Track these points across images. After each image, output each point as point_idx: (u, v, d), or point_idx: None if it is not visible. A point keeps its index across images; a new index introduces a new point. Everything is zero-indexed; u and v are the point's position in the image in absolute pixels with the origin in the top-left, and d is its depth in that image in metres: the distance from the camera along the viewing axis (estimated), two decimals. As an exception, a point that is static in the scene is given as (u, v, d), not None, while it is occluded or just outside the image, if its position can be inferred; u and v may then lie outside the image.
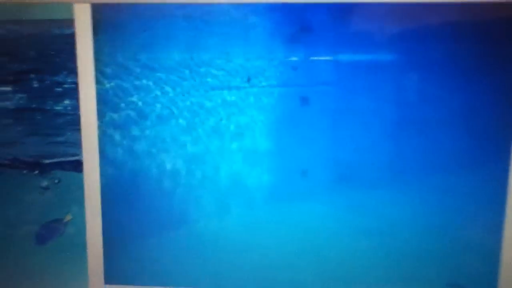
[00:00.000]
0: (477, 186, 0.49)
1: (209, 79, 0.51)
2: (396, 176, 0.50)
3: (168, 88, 0.51)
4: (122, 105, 0.52)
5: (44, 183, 0.55)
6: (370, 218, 0.51)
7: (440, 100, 0.49)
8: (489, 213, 0.50)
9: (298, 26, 0.49)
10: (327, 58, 0.49)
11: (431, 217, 0.50)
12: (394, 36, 0.48)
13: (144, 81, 0.51)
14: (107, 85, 0.51)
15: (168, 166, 0.52)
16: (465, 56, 0.48)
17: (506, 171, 0.49)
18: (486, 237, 0.50)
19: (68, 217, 0.55)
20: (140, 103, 0.52)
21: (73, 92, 0.52)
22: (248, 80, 0.50)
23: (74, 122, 0.53)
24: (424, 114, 0.49)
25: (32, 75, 0.53)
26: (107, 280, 0.55)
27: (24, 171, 0.54)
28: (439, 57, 0.48)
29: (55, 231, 0.55)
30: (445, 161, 0.49)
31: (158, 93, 0.51)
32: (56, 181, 0.54)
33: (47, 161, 0.54)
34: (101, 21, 0.50)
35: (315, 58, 0.49)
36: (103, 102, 0.52)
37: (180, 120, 0.52)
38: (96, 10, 0.50)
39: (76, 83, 0.52)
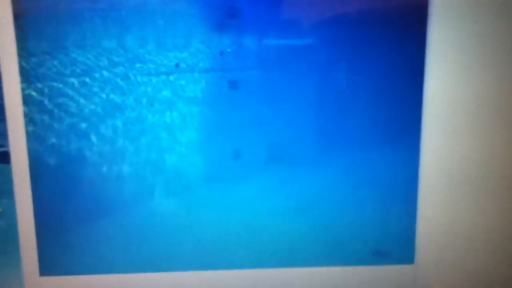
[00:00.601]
0: (393, 161, 0.53)
1: (137, 65, 0.51)
2: (322, 154, 0.53)
3: (96, 75, 0.51)
4: (50, 93, 0.51)
5: (-30, 177, 0.53)
6: (300, 194, 0.54)
7: (358, 83, 0.52)
8: (405, 186, 0.54)
9: (225, 12, 0.50)
10: (254, 43, 0.50)
11: (355, 191, 0.54)
12: (317, 22, 0.50)
13: (71, 68, 0.50)
14: (33, 73, 0.50)
15: (100, 153, 0.52)
16: (382, 41, 0.51)
17: (417, 147, 0.53)
18: (403, 207, 0.54)
19: (-2, 210, 0.53)
20: (68, 91, 0.51)
21: (-4, 82, 0.51)
22: (176, 65, 0.51)
23: (-2, 112, 0.51)
24: (344, 96, 0.52)
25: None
26: (43, 272, 0.54)
27: None
28: (358, 42, 0.51)
29: (-16, 226, 0.53)
30: (365, 139, 0.53)
31: (86, 79, 0.51)
32: (-17, 174, 0.53)
33: (-28, 154, 0.52)
34: (23, 7, 0.49)
35: (242, 43, 0.50)
36: (29, 90, 0.50)
37: (110, 106, 0.51)
38: (17, -4, 0.48)
39: (-1, 72, 0.50)
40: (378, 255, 0.55)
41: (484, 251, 0.54)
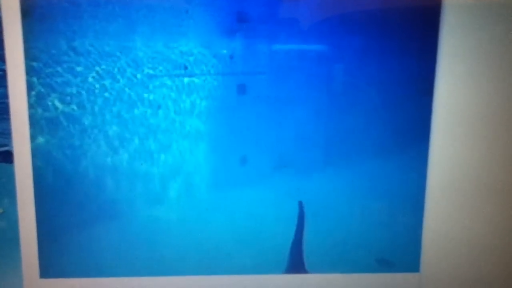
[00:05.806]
0: (401, 170, 0.53)
1: (145, 67, 0.50)
2: (329, 162, 0.53)
3: (103, 76, 0.50)
4: (55, 93, 0.50)
5: (-29, 176, 0.52)
6: (306, 201, 0.53)
7: (367, 90, 0.52)
8: (411, 194, 0.54)
9: (235, 16, 0.50)
10: (263, 47, 0.50)
11: (361, 199, 0.54)
12: (327, 27, 0.50)
13: (78, 69, 0.50)
14: (38, 72, 0.50)
15: (104, 155, 0.52)
16: (392, 49, 0.51)
17: (425, 156, 0.53)
18: (409, 216, 0.54)
19: (-1, 211, 0.53)
20: (74, 91, 0.50)
21: (1, 80, 0.50)
22: (185, 68, 0.51)
23: (2, 111, 0.50)
24: (353, 103, 0.52)
25: (-45, 62, 0.50)
26: (43, 274, 0.53)
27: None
28: (368, 49, 0.51)
29: (-15, 226, 0.53)
30: (373, 147, 0.53)
31: (93, 81, 0.50)
32: (-16, 173, 0.52)
33: (-26, 152, 0.52)
34: (30, 5, 0.48)
35: (251, 47, 0.50)
36: (34, 89, 0.50)
37: (116, 109, 0.51)
38: (25, -6, 0.48)
39: (4, 70, 0.49)
40: (384, 263, 0.55)
41: (490, 261, 0.54)
